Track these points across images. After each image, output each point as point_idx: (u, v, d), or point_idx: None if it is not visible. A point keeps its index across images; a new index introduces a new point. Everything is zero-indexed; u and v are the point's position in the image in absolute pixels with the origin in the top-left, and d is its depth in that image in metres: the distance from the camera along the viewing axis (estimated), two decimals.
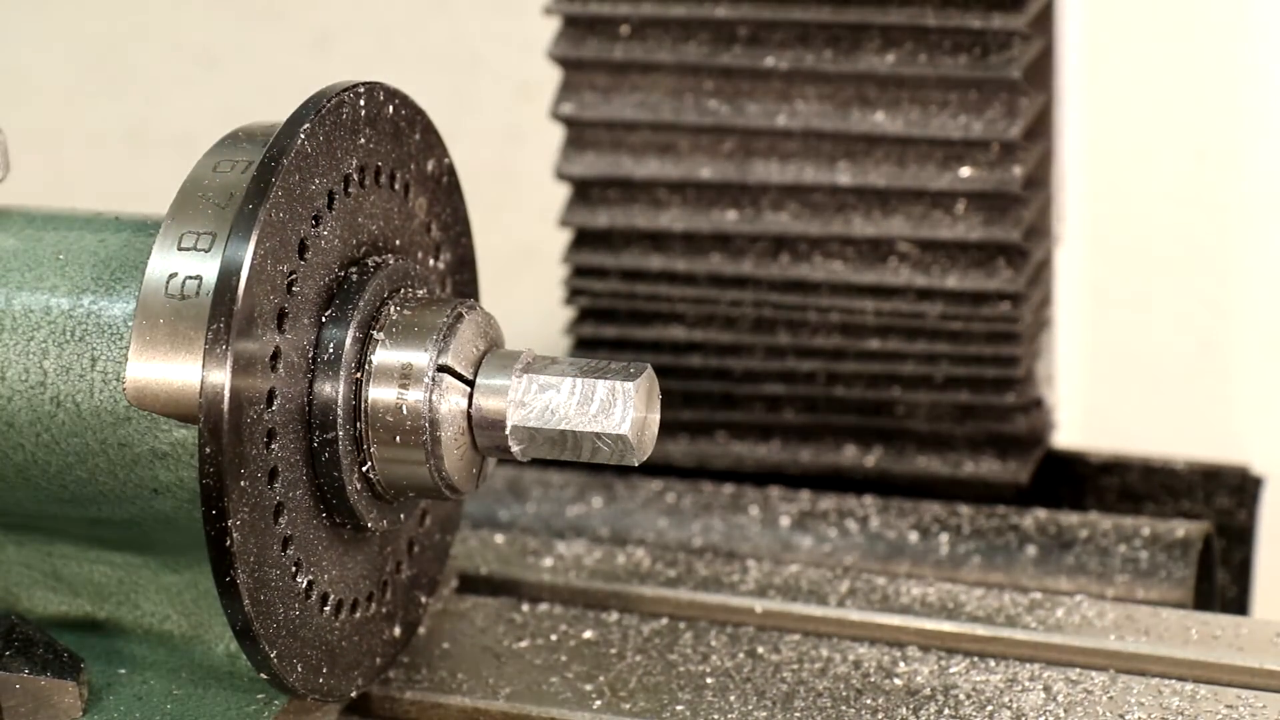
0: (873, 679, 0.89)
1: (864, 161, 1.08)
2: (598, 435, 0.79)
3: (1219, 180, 1.33)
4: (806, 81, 1.08)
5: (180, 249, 0.78)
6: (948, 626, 0.93)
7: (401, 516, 0.85)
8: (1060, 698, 0.86)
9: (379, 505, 0.82)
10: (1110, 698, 0.86)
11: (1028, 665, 0.89)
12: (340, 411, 0.79)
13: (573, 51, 1.11)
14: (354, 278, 0.81)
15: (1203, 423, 1.37)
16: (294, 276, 0.78)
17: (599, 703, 0.88)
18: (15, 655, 0.83)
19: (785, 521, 1.06)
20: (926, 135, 1.06)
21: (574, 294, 1.14)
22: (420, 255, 0.87)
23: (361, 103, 0.82)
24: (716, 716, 0.87)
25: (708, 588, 0.98)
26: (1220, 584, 1.06)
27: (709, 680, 0.90)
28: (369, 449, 0.80)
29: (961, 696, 0.87)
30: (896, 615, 0.95)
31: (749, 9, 1.08)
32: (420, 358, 0.80)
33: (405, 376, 0.80)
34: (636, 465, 0.81)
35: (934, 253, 1.08)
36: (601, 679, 0.90)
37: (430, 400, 0.80)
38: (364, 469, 0.81)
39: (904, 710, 0.86)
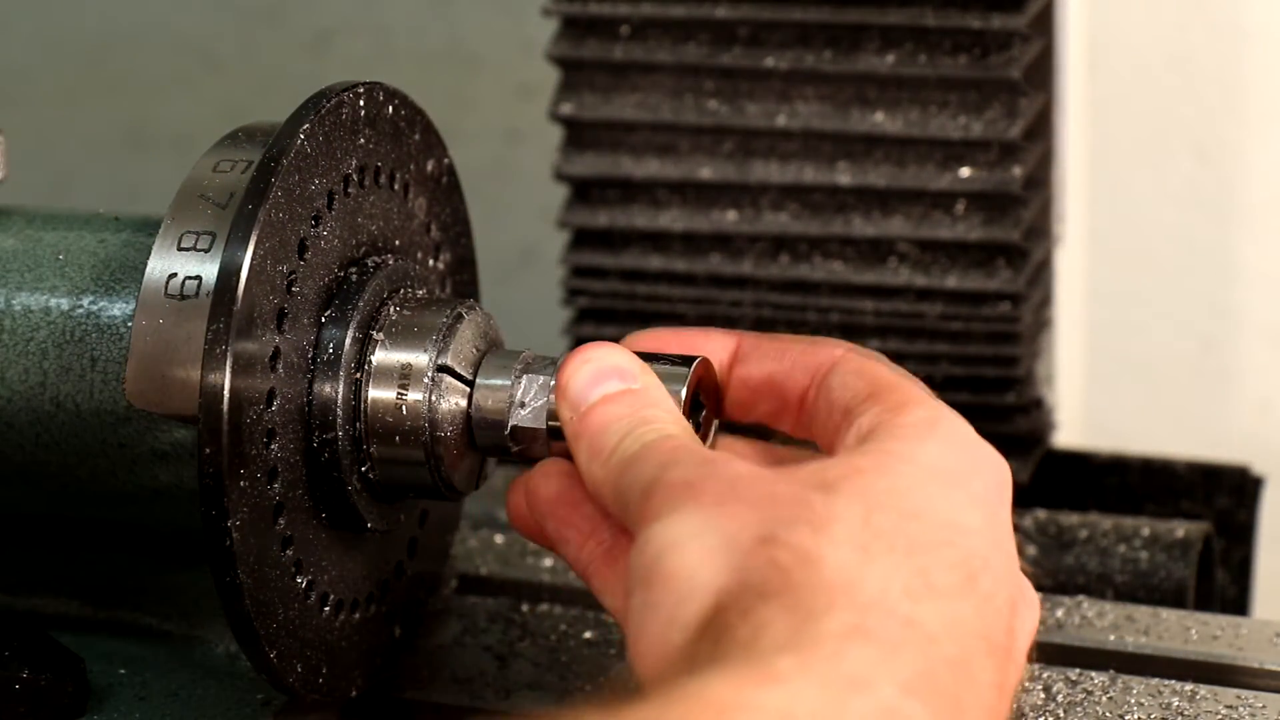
0: None
1: (864, 162, 1.08)
2: None
3: (1219, 180, 1.33)
4: (806, 81, 1.08)
5: (180, 249, 0.78)
6: None
7: (401, 517, 0.85)
8: (1060, 698, 0.86)
9: (379, 505, 0.82)
10: (1110, 698, 0.86)
11: (1028, 665, 0.89)
12: (340, 412, 0.79)
13: (572, 52, 1.11)
14: (354, 278, 0.81)
15: (1203, 423, 1.37)
16: (294, 276, 0.78)
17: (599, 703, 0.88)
18: (15, 655, 0.83)
19: None
20: (926, 135, 1.06)
21: (573, 294, 1.14)
22: (420, 255, 0.87)
23: (361, 103, 0.82)
24: None
25: None
26: (1220, 584, 1.06)
27: None
28: (369, 449, 0.80)
29: None
30: None
31: (749, 9, 1.08)
32: (420, 358, 0.80)
33: (405, 377, 0.80)
34: None
35: (934, 253, 1.08)
36: (601, 679, 0.90)
37: (430, 400, 0.80)
38: (364, 469, 0.81)
39: None
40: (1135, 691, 0.86)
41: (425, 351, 0.80)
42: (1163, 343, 1.36)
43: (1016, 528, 1.04)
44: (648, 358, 0.78)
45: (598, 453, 0.74)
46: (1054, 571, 1.02)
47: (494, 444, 0.81)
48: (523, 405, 0.80)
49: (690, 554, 0.66)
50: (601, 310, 1.14)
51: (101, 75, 1.61)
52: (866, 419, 0.73)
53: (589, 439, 0.74)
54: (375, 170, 0.83)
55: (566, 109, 1.11)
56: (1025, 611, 0.70)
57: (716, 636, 0.63)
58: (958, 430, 0.72)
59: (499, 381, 0.81)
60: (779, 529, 0.65)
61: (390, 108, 0.84)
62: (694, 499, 0.68)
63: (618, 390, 0.75)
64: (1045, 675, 0.88)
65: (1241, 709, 0.85)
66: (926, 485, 0.68)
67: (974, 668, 0.64)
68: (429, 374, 0.80)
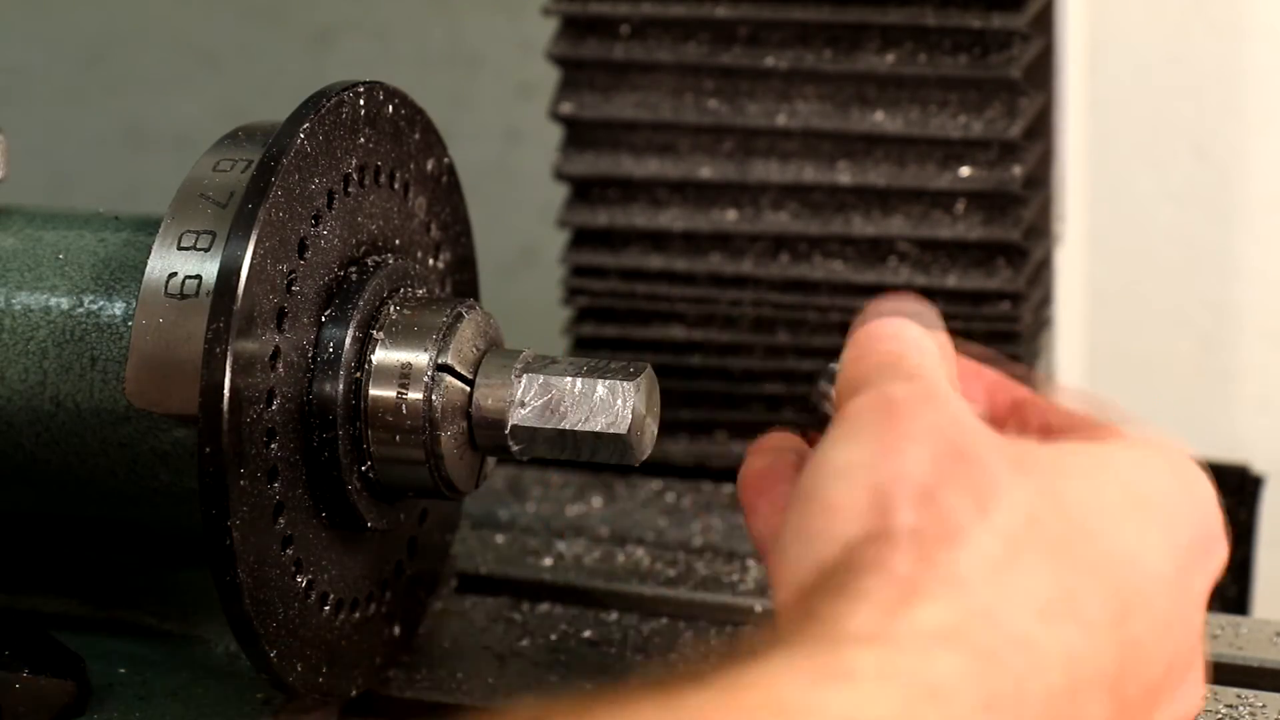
0: None
1: (864, 161, 1.08)
2: (597, 435, 0.79)
3: (1219, 180, 1.33)
4: (806, 81, 1.08)
5: (180, 248, 0.78)
6: None
7: (401, 516, 0.85)
8: None
9: (379, 505, 0.82)
10: None
11: None
12: (340, 411, 0.79)
13: (572, 51, 1.11)
14: (354, 277, 0.81)
15: (1203, 422, 1.37)
16: (294, 276, 0.78)
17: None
18: (15, 655, 0.83)
19: None
20: (926, 135, 1.06)
21: (573, 294, 1.14)
22: (420, 255, 0.87)
23: (361, 102, 0.82)
24: None
25: (708, 587, 0.98)
26: (1220, 584, 1.06)
27: None
28: (368, 449, 0.80)
29: None
30: None
31: (749, 9, 1.08)
32: (420, 357, 0.80)
33: (405, 376, 0.80)
34: (636, 465, 0.81)
35: (934, 252, 1.08)
36: (602, 679, 0.90)
37: (430, 400, 0.80)
38: (364, 469, 0.81)
39: None
40: None
41: (425, 351, 0.80)
42: (1163, 342, 1.36)
43: None
44: None
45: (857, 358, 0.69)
46: None
47: (494, 443, 0.81)
48: (523, 404, 0.80)
49: (855, 487, 0.61)
50: (601, 310, 1.14)
51: (101, 75, 1.61)
52: (1090, 428, 0.68)
53: (861, 339, 0.70)
54: (375, 169, 0.83)
55: (566, 109, 1.11)
56: (1185, 689, 0.64)
57: (826, 590, 0.59)
58: (1188, 468, 0.66)
59: (499, 381, 0.81)
60: (943, 489, 0.60)
61: (390, 107, 0.84)
62: (882, 423, 0.63)
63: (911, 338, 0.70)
64: None
65: (1241, 708, 0.85)
66: (1122, 507, 0.63)
67: (1083, 709, 0.58)
68: (429, 373, 0.80)
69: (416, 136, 0.86)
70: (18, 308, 0.83)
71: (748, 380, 1.13)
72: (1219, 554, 0.66)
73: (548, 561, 1.01)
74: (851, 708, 0.54)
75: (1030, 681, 0.57)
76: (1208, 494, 0.66)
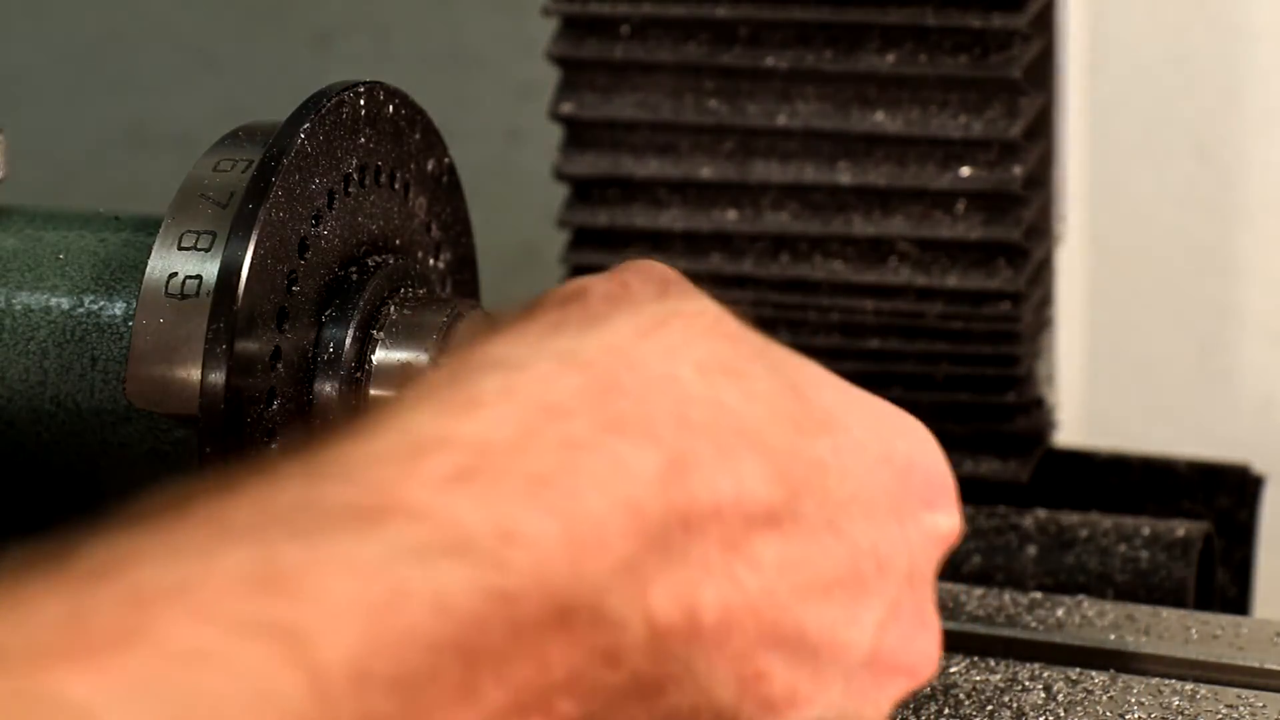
0: None
1: (864, 161, 1.08)
2: None
3: (1219, 180, 1.33)
4: (806, 81, 1.08)
5: (180, 248, 0.78)
6: (948, 626, 0.93)
7: None
8: (1060, 697, 0.86)
9: None
10: (1110, 697, 0.86)
11: (1028, 665, 0.89)
12: (340, 411, 0.79)
13: (572, 51, 1.11)
14: (354, 277, 0.81)
15: (1203, 422, 1.37)
16: (294, 276, 0.78)
17: None
18: None
19: None
20: (926, 135, 1.06)
21: None
22: (420, 255, 0.87)
23: (362, 102, 0.82)
24: None
25: None
26: (1220, 584, 1.06)
27: None
28: None
29: (961, 696, 0.87)
30: None
31: (749, 9, 1.08)
32: (420, 357, 0.80)
33: (405, 376, 0.80)
34: None
35: (934, 252, 1.08)
36: None
37: None
38: None
39: (904, 710, 0.86)
40: (1135, 691, 0.86)
41: (425, 350, 0.80)
42: (1163, 342, 1.36)
43: (1016, 527, 1.04)
44: None
45: None
46: (1054, 571, 1.02)
47: None
48: None
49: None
50: None
51: (101, 75, 1.61)
52: None
53: None
54: (376, 169, 0.83)
55: (566, 109, 1.11)
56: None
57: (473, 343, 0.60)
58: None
59: None
60: (612, 280, 0.62)
61: (390, 107, 0.84)
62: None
63: None
64: (1045, 675, 0.88)
65: (1241, 709, 0.85)
66: (831, 379, 0.64)
67: (733, 458, 0.56)
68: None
69: (417, 136, 0.86)
70: (18, 308, 0.83)
71: None
72: (942, 487, 0.67)
73: None
74: (478, 432, 0.53)
75: (661, 412, 0.56)
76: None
